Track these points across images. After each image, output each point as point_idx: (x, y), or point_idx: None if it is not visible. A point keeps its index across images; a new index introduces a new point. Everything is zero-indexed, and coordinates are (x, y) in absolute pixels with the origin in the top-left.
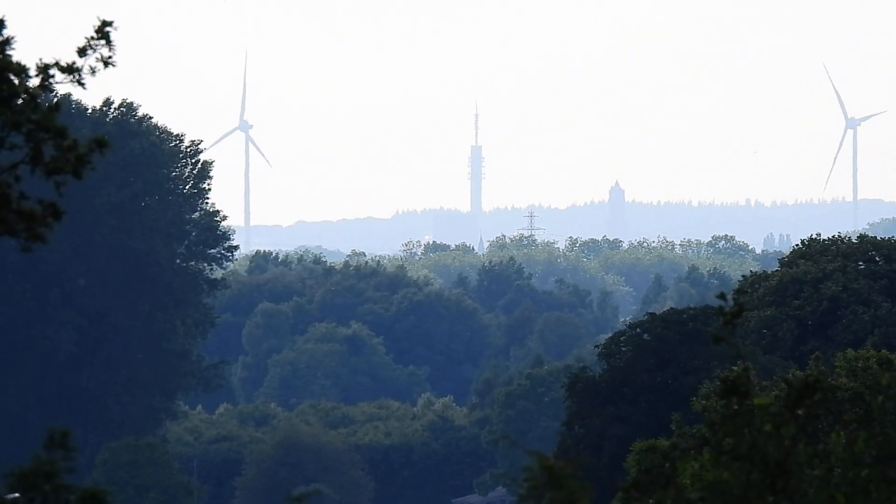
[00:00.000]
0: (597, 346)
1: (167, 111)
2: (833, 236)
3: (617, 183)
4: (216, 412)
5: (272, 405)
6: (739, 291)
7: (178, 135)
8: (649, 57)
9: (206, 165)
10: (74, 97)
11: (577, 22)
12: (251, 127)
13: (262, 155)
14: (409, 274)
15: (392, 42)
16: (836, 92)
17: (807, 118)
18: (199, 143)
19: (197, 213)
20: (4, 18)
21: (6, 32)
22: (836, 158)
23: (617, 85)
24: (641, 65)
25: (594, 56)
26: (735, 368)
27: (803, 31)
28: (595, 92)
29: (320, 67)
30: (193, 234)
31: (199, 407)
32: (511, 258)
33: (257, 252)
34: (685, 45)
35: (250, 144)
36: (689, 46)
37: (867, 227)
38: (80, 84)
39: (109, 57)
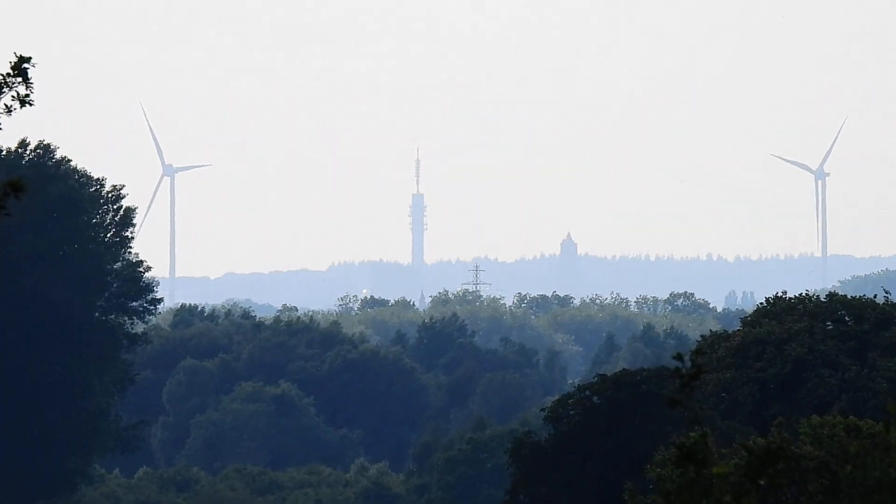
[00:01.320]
0: (543, 409)
1: (86, 155)
2: (800, 294)
3: (569, 235)
4: (135, 476)
5: (195, 469)
6: (698, 352)
7: (98, 179)
8: (604, 102)
9: (129, 212)
10: None
11: (525, 66)
12: (176, 171)
13: (196, 167)
14: (343, 330)
15: (329, 82)
16: (791, 162)
17: (772, 168)
18: (121, 189)
19: (119, 263)
20: None
21: None
22: (817, 209)
23: (569, 130)
24: (596, 109)
25: (544, 98)
26: (692, 434)
27: (753, 101)
28: (546, 137)
29: (253, 110)
30: (115, 285)
31: (117, 470)
32: (454, 314)
33: (182, 305)
34: (641, 92)
35: (177, 175)
36: (646, 95)
37: (837, 284)
38: None
39: (27, 95)
